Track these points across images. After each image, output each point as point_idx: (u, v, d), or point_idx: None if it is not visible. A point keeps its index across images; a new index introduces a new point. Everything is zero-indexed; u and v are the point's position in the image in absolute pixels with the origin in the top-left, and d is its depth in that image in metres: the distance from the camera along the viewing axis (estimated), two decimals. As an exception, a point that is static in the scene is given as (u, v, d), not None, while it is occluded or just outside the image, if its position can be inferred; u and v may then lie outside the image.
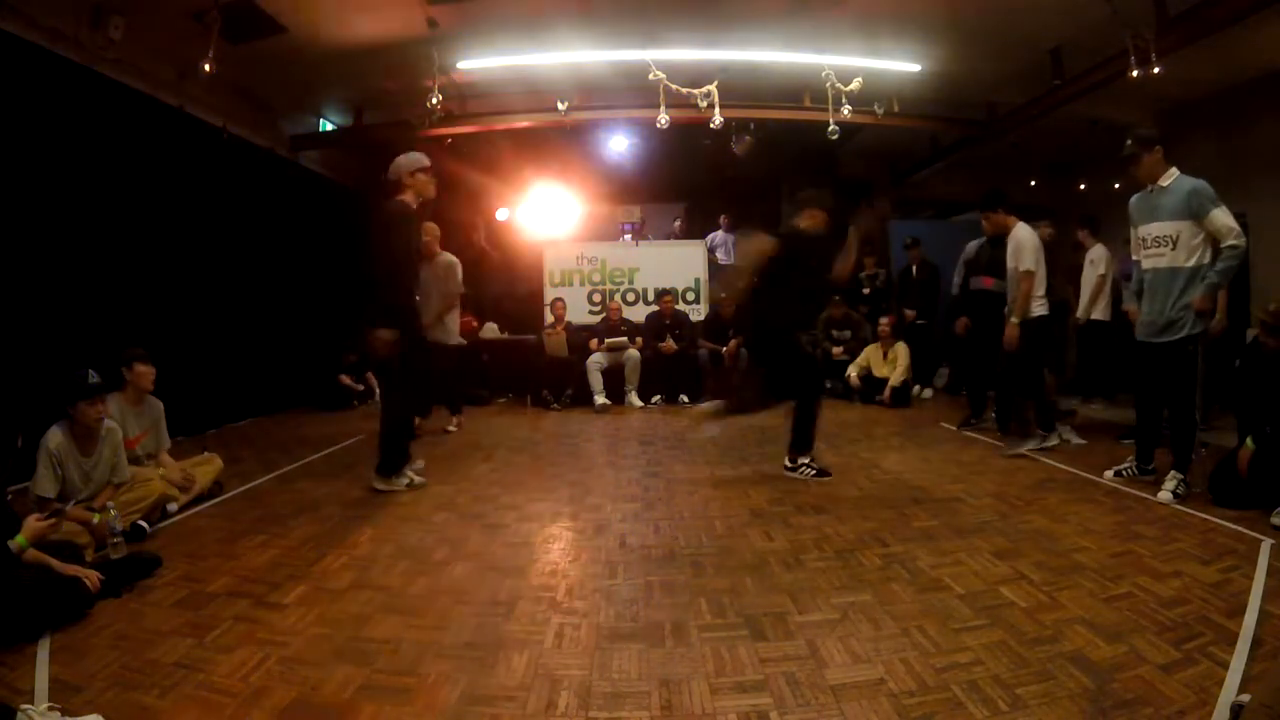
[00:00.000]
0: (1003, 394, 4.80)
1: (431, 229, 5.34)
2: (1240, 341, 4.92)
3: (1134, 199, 3.58)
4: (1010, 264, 4.52)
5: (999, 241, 4.95)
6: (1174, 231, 3.33)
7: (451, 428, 5.73)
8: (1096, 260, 5.67)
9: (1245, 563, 2.54)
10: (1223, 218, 3.21)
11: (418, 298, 4.72)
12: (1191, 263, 3.31)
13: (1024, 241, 4.45)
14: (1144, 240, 3.49)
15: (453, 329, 5.57)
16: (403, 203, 3.78)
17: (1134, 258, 3.65)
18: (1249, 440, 3.22)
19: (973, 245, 5.52)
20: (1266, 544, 2.69)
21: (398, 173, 3.85)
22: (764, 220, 9.69)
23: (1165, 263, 3.38)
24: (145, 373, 3.55)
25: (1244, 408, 3.58)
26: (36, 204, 4.26)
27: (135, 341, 3.73)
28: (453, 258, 5.51)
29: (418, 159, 3.88)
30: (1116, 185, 8.38)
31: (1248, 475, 3.15)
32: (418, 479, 3.97)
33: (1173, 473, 3.41)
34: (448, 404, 5.86)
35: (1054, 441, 4.55)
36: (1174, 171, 3.40)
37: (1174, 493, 3.33)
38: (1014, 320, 4.41)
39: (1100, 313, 5.60)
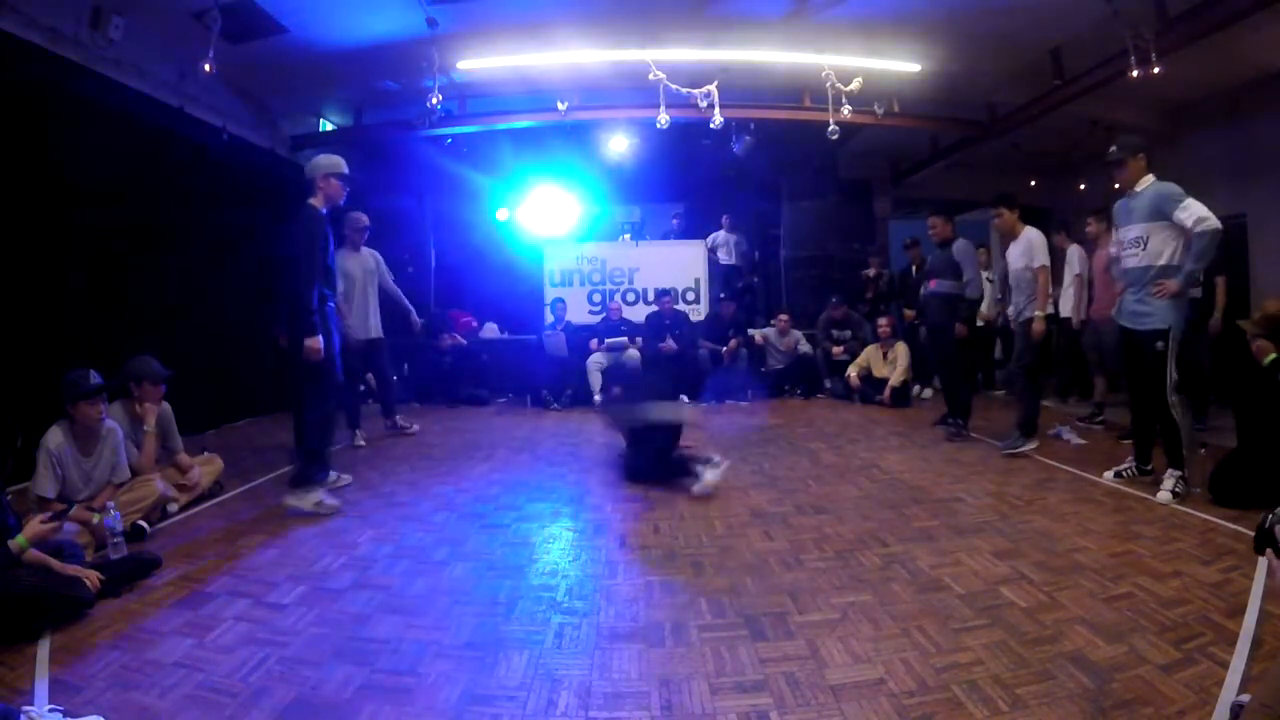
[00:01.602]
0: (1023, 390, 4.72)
1: (360, 220, 5.21)
2: (1241, 341, 4.92)
3: (1116, 204, 3.73)
4: (1020, 264, 4.58)
5: (945, 245, 5.23)
6: (1144, 233, 3.47)
7: (360, 441, 5.19)
8: (1072, 260, 5.71)
9: (1245, 563, 2.54)
10: (1186, 211, 3.27)
11: (339, 295, 4.61)
12: (1161, 261, 3.43)
13: (1035, 240, 4.54)
14: (1123, 243, 3.65)
15: (374, 324, 5.32)
16: (311, 206, 3.65)
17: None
18: (1274, 356, 3.21)
19: (931, 256, 5.63)
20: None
21: (313, 173, 3.71)
22: (763, 220, 9.79)
23: (1136, 263, 3.52)
24: (152, 392, 3.51)
25: (1242, 407, 3.58)
26: (36, 204, 4.25)
27: (135, 342, 3.72)
28: (375, 253, 5.37)
29: (336, 162, 3.73)
30: (1117, 185, 8.41)
31: (1245, 476, 3.15)
32: (329, 501, 3.55)
33: (1170, 471, 3.41)
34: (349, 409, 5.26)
35: (1033, 445, 4.50)
36: (1149, 178, 3.52)
37: (1173, 492, 3.33)
38: (1039, 314, 4.44)
39: (1078, 312, 5.63)
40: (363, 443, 5.19)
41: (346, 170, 3.76)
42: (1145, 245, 3.46)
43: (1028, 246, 4.56)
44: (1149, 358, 3.45)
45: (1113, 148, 3.57)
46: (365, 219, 5.27)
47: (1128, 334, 3.64)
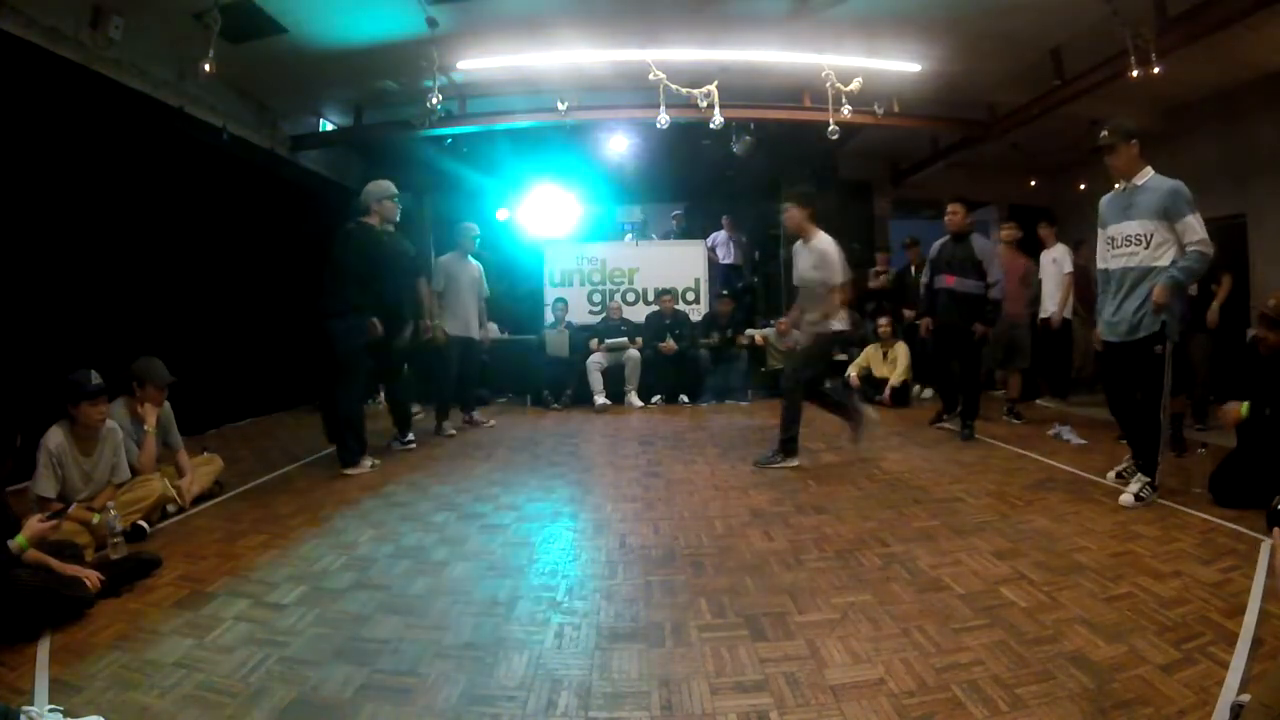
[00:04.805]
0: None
1: (472, 229, 5.95)
2: (1241, 341, 4.92)
3: (1105, 199, 3.46)
4: (813, 275, 4.19)
5: (961, 238, 4.93)
6: (1148, 231, 3.20)
7: (453, 430, 5.72)
8: (1060, 259, 5.67)
9: (1245, 563, 2.54)
10: (1196, 224, 3.11)
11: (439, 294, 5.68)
12: (1163, 262, 3.20)
13: (828, 250, 4.14)
14: (1113, 240, 3.36)
15: (473, 326, 5.95)
16: (366, 224, 4.38)
17: (1099, 262, 3.50)
18: (1244, 406, 3.17)
19: (937, 244, 5.23)
20: (1266, 544, 2.68)
21: (367, 200, 4.43)
22: (763, 220, 9.78)
23: (1137, 262, 3.26)
24: (155, 394, 3.51)
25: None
26: (37, 204, 4.25)
27: (136, 342, 3.71)
28: (479, 265, 6.03)
29: (386, 187, 4.45)
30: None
31: (1245, 475, 3.14)
32: (376, 460, 4.44)
33: (1138, 475, 3.33)
34: (459, 402, 6.11)
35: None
36: (1149, 170, 3.26)
37: (1137, 495, 3.23)
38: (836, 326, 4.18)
39: (1068, 310, 5.58)
40: (453, 432, 5.71)
41: (395, 190, 4.50)
42: (1148, 243, 3.21)
43: (821, 257, 4.12)
44: (1147, 363, 3.26)
45: (1103, 132, 3.30)
46: (477, 229, 6.02)
47: (1114, 345, 3.38)
